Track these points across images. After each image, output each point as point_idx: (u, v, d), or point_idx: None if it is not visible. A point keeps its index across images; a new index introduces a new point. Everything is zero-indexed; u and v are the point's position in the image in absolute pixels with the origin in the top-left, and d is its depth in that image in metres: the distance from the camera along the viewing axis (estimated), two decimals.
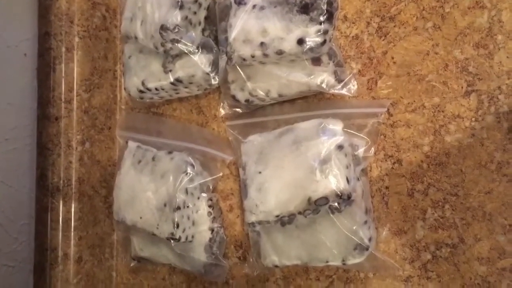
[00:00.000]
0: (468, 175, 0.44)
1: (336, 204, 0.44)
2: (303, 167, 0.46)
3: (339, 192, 0.43)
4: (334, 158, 0.45)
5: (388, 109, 0.48)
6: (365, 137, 0.48)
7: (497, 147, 0.43)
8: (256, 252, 0.52)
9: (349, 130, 0.48)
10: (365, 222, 0.46)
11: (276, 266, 0.50)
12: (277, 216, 0.46)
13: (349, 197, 0.44)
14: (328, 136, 0.46)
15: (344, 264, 0.46)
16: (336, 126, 0.47)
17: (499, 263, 0.43)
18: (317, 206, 0.44)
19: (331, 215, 0.45)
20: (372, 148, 0.48)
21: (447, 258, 0.45)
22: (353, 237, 0.45)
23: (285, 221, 0.47)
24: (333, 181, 0.44)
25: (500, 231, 0.43)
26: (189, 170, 0.52)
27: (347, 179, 0.44)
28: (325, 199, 0.44)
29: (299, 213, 0.45)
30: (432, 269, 0.46)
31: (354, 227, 0.45)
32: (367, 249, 0.46)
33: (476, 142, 0.44)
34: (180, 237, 0.51)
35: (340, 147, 0.45)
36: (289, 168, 0.47)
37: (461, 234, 0.45)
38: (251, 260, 0.53)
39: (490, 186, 0.44)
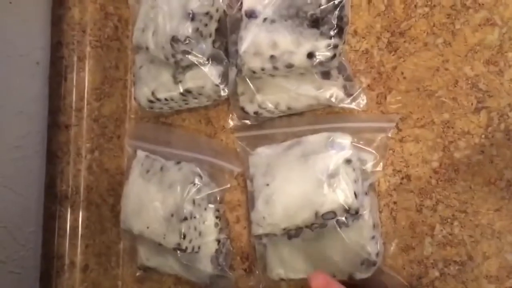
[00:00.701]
0: (477, 192, 0.44)
1: (343, 218, 0.44)
2: (311, 181, 0.46)
3: (347, 207, 0.43)
4: (342, 172, 0.45)
5: (397, 124, 0.48)
6: (374, 151, 0.48)
7: (507, 164, 0.43)
8: (262, 264, 0.52)
9: (357, 144, 0.48)
10: (373, 237, 0.46)
11: (282, 279, 0.49)
12: (284, 229, 0.46)
13: (357, 212, 0.44)
14: (337, 149, 0.46)
15: (351, 279, 0.46)
16: (345, 140, 0.47)
17: (508, 282, 0.43)
18: (324, 220, 0.44)
19: (339, 229, 0.45)
20: (381, 163, 0.47)
21: (455, 276, 0.45)
22: (360, 252, 0.45)
23: (292, 234, 0.47)
24: (341, 195, 0.44)
25: (509, 250, 0.43)
26: (197, 181, 0.53)
27: (355, 193, 0.44)
28: (332, 213, 0.44)
29: (306, 226, 0.45)
30: (440, 287, 0.45)
31: (362, 242, 0.45)
32: (374, 264, 0.45)
33: (485, 159, 0.44)
34: (186, 248, 0.51)
35: (348, 161, 0.45)
36: (296, 181, 0.47)
37: (470, 251, 0.44)
38: (257, 272, 0.53)
39: (499, 203, 0.43)
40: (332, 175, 0.45)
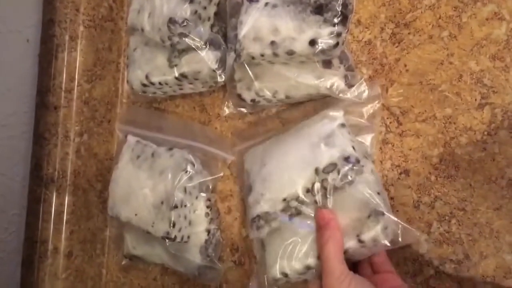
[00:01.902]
0: (477, 190, 0.43)
1: (346, 169, 0.42)
2: (307, 146, 0.45)
3: (346, 155, 0.42)
4: (338, 133, 0.44)
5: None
6: (366, 122, 0.47)
7: (509, 163, 0.42)
8: (263, 264, 0.48)
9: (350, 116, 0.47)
10: (378, 193, 0.43)
11: (286, 275, 0.45)
12: (284, 199, 0.44)
13: (358, 160, 0.42)
14: (330, 119, 0.46)
15: (360, 242, 0.42)
16: (337, 112, 0.47)
17: (504, 282, 0.42)
18: (325, 175, 0.42)
19: (343, 192, 0.43)
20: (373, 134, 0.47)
21: (451, 275, 0.44)
22: (367, 203, 0.42)
23: (293, 211, 0.44)
24: (339, 148, 0.43)
25: (507, 250, 0.42)
26: (189, 168, 0.51)
27: (353, 147, 0.43)
28: (333, 166, 0.42)
29: (307, 191, 0.43)
30: (435, 285, 0.44)
31: (367, 195, 0.43)
32: (382, 214, 0.41)
33: (487, 156, 0.43)
34: (175, 237, 0.49)
35: (342, 125, 0.45)
36: (292, 152, 0.46)
37: (467, 250, 0.43)
38: (257, 273, 0.50)
39: (499, 202, 0.42)
40: (328, 136, 0.44)
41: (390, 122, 0.47)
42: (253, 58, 0.46)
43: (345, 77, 0.47)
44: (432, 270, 0.44)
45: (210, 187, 0.54)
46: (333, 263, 0.39)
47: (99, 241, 0.64)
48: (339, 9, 0.43)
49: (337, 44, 0.43)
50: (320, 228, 0.41)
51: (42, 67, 0.60)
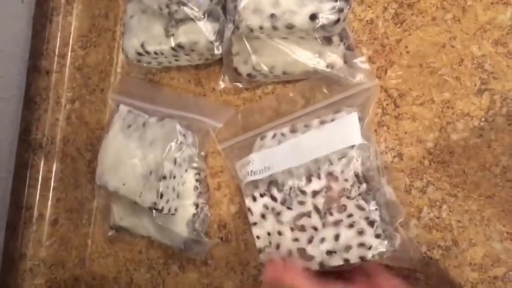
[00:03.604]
0: (471, 176, 0.43)
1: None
2: None
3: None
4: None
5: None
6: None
7: (504, 150, 0.41)
8: None
9: None
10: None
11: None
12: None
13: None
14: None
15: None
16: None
17: (491, 271, 0.41)
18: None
19: None
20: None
21: (438, 261, 0.43)
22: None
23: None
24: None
25: (497, 238, 0.41)
26: (180, 138, 0.50)
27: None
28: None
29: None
30: (421, 270, 0.44)
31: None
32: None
33: (483, 143, 0.42)
34: (162, 208, 0.48)
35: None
36: None
37: (456, 237, 0.43)
38: None
39: (492, 190, 0.42)
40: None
41: (387, 104, 0.46)
42: (251, 30, 0.45)
43: (345, 55, 0.46)
44: (419, 255, 0.44)
45: (201, 162, 0.53)
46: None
47: (86, 211, 0.63)
48: None
49: (338, 20, 0.42)
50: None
51: (36, 30, 0.58)
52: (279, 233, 0.43)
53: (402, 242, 0.42)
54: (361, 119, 0.43)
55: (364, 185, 0.41)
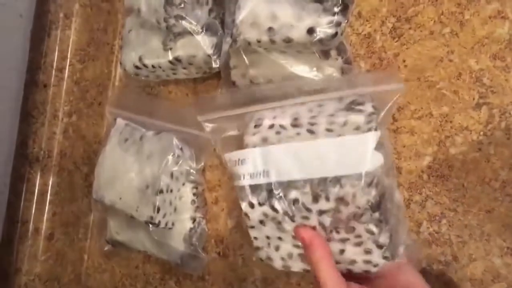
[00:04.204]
0: (470, 191, 0.42)
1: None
2: None
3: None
4: None
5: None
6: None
7: (503, 164, 0.41)
8: None
9: None
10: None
11: None
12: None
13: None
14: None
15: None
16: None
17: (492, 287, 0.41)
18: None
19: None
20: None
21: (438, 276, 0.43)
22: None
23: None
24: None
25: (497, 253, 0.41)
26: (177, 152, 0.50)
27: None
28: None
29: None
30: None
31: None
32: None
33: (482, 157, 0.42)
34: (159, 222, 0.48)
35: None
36: None
37: (456, 252, 0.42)
38: None
39: (491, 205, 0.41)
40: None
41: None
42: (249, 44, 0.45)
43: (342, 69, 0.46)
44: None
45: (198, 175, 0.53)
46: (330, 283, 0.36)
47: (82, 225, 0.62)
48: None
49: (336, 34, 0.42)
50: (307, 248, 0.38)
51: (34, 44, 0.58)
52: (280, 238, 0.41)
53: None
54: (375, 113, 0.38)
55: (376, 214, 0.36)
